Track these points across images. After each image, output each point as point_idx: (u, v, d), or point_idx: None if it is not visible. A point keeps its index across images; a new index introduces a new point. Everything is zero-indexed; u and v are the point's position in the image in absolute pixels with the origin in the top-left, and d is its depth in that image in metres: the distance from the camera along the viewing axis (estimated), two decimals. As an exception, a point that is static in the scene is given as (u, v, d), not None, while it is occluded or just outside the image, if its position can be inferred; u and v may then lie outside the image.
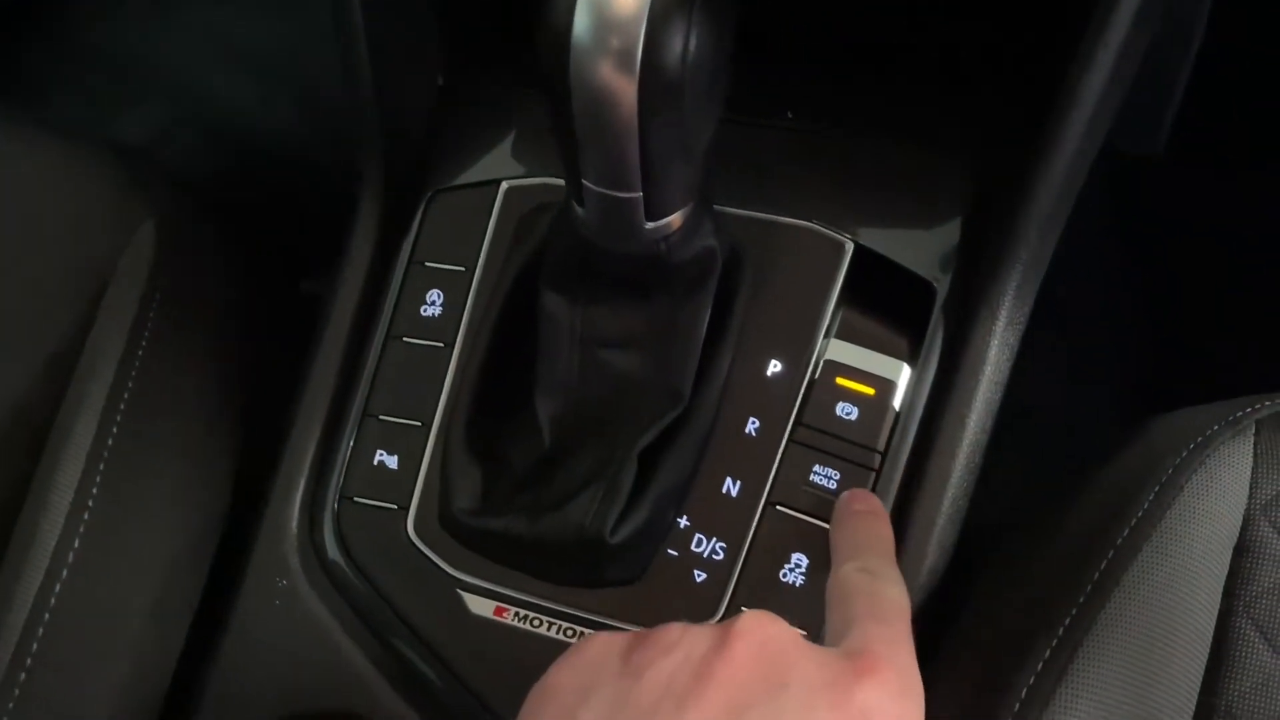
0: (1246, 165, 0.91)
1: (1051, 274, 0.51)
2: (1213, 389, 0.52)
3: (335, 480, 0.51)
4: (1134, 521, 0.43)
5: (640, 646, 0.36)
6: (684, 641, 0.35)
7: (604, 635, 0.37)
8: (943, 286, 0.49)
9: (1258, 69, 0.82)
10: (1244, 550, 0.43)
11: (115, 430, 0.48)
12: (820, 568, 0.47)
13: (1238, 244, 0.90)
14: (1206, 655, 0.43)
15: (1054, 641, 0.40)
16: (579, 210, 0.43)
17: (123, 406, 0.48)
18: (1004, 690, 0.40)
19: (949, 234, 0.50)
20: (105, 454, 0.47)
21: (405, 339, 0.52)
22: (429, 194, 0.55)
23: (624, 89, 0.36)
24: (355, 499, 0.51)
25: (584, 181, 0.41)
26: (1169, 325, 0.90)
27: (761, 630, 0.35)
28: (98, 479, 0.47)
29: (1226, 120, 0.86)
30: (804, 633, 0.45)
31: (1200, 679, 0.42)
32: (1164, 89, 0.68)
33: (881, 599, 0.40)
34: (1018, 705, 0.39)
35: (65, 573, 0.45)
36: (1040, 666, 0.40)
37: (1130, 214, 0.93)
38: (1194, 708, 0.42)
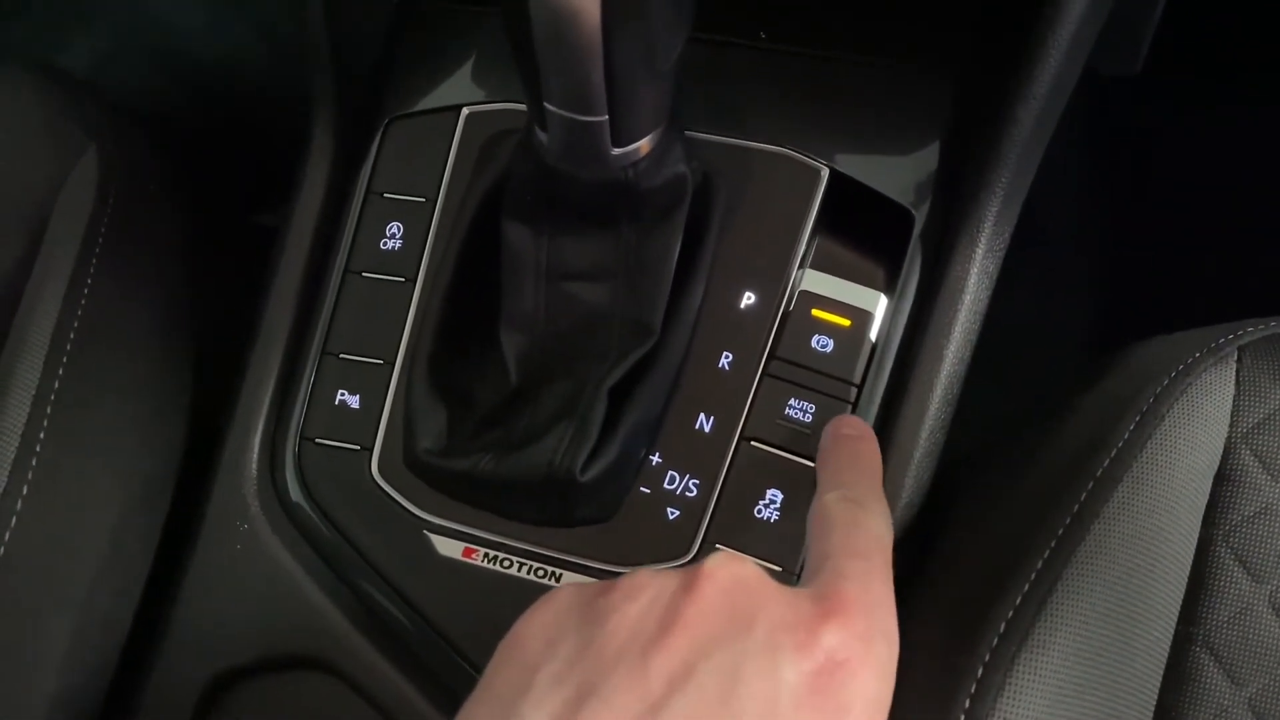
0: (1223, 86, 0.90)
1: (1029, 195, 0.49)
2: (1187, 311, 0.51)
3: (295, 421, 0.50)
4: (1114, 452, 0.42)
5: (607, 593, 0.35)
6: (651, 586, 0.34)
7: (572, 585, 0.36)
8: (921, 214, 0.48)
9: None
10: (1224, 479, 0.43)
11: (61, 371, 0.46)
12: (795, 503, 0.46)
13: (1213, 165, 0.89)
14: (1185, 584, 0.42)
15: (1032, 575, 0.40)
16: (542, 136, 0.41)
17: (69, 346, 0.46)
18: (981, 624, 0.39)
19: (927, 159, 0.48)
20: (52, 396, 0.45)
21: (364, 274, 0.50)
22: (386, 121, 0.52)
23: (587, 4, 0.34)
24: (317, 440, 0.49)
25: (546, 105, 0.38)
26: (1143, 246, 0.89)
27: (729, 571, 0.35)
28: (45, 422, 0.45)
29: (1203, 41, 0.84)
30: (779, 568, 0.45)
31: (1179, 608, 0.42)
32: (1143, 8, 0.66)
33: (860, 531, 0.39)
34: (996, 639, 0.38)
35: (14, 518, 0.43)
36: (1019, 600, 0.39)
37: (1105, 134, 0.91)
38: (1172, 637, 0.42)
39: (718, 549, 0.45)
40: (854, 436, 0.44)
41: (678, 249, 0.45)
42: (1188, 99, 0.90)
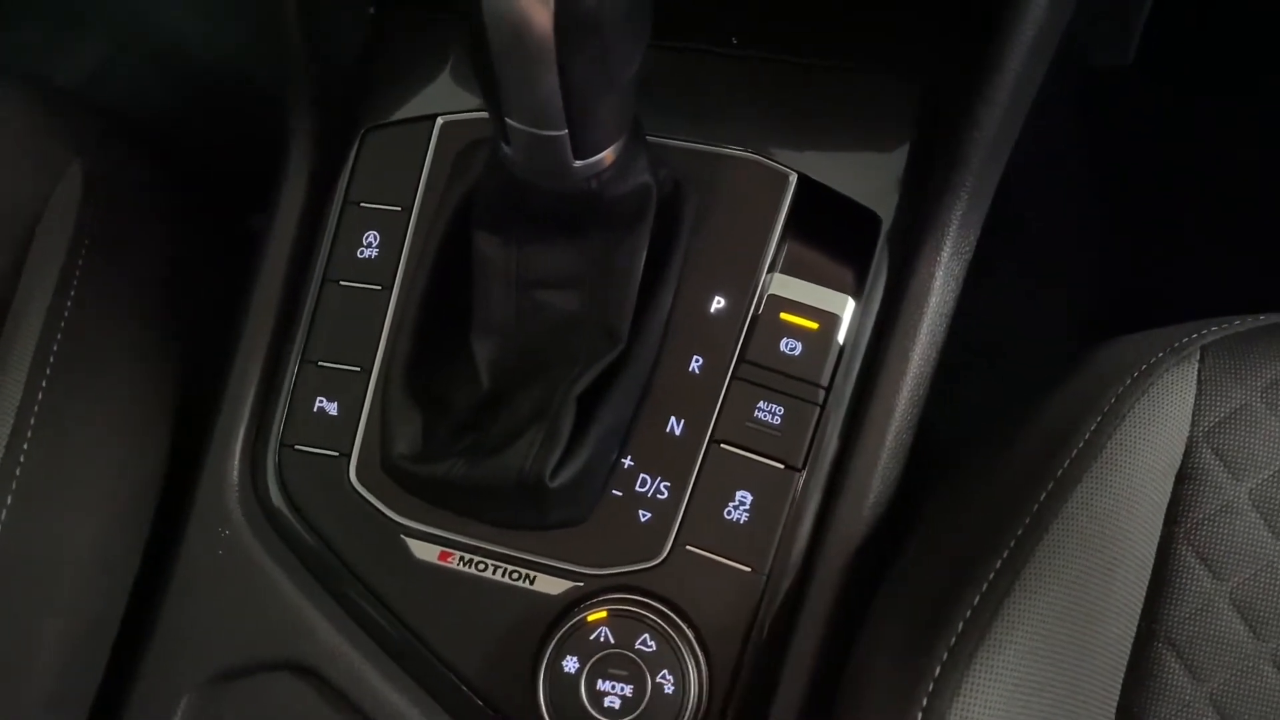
0: (1213, 76, 0.89)
1: (1006, 196, 0.50)
2: (1179, 300, 0.51)
3: (276, 428, 0.51)
4: (1074, 453, 0.42)
5: None
6: None
7: None
8: (888, 217, 0.48)
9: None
10: (1185, 477, 0.43)
11: (45, 384, 0.47)
12: (765, 505, 0.46)
13: (1204, 155, 0.89)
14: (1147, 583, 0.43)
15: (990, 575, 0.40)
16: (506, 149, 0.41)
17: (52, 360, 0.47)
18: (941, 624, 0.40)
19: (895, 162, 0.49)
20: (35, 408, 0.46)
21: (342, 282, 0.51)
22: (362, 131, 0.53)
23: (539, 17, 0.34)
24: (296, 447, 0.50)
25: (507, 120, 0.39)
26: (1135, 236, 0.89)
27: None
28: (29, 433, 0.46)
29: (1194, 32, 0.84)
30: (748, 568, 0.46)
31: (1140, 606, 0.43)
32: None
33: None
34: (954, 638, 0.39)
35: (1, 526, 0.44)
36: (977, 600, 0.40)
37: (1096, 125, 0.91)
38: (1134, 634, 0.42)
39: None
40: None
41: (644, 257, 0.45)
42: (1178, 89, 0.90)
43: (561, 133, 0.39)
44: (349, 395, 0.50)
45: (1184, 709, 0.42)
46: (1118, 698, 0.42)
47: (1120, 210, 0.92)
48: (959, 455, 0.52)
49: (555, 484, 0.44)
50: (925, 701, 0.38)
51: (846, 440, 0.47)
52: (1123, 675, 0.42)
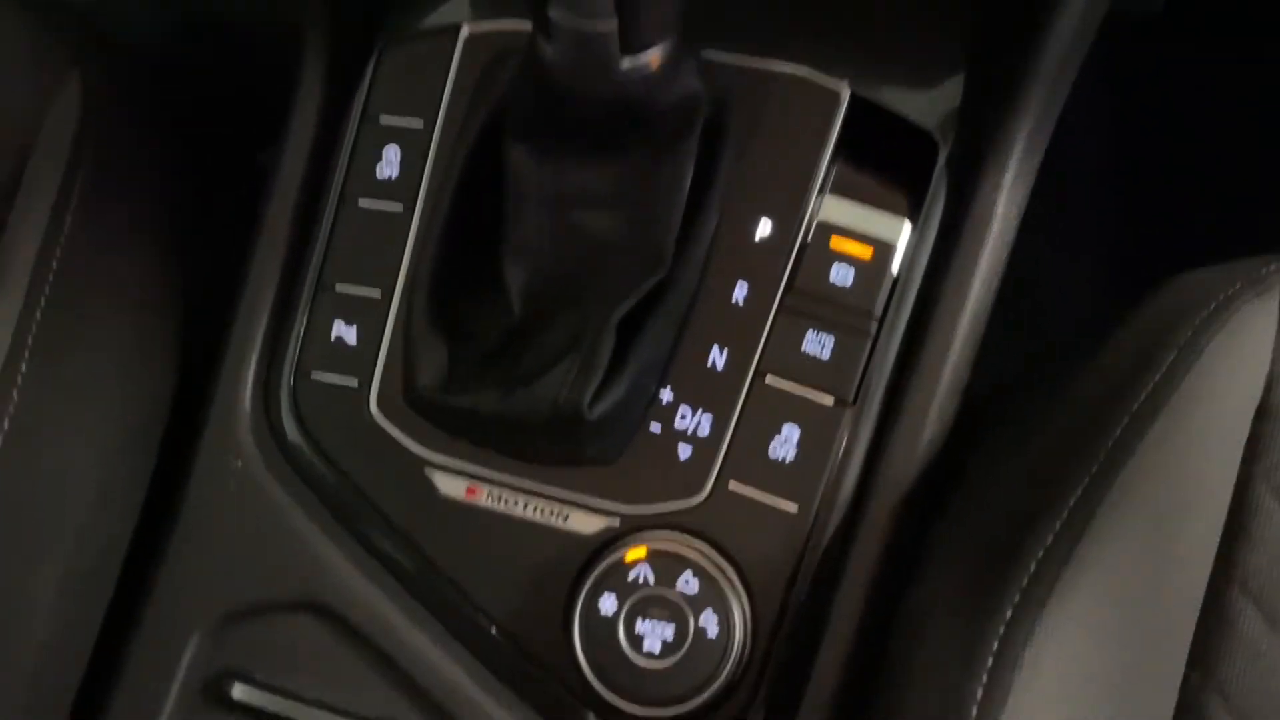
0: (1245, 25, 0.86)
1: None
2: (1210, 254, 0.48)
3: (290, 356, 0.47)
4: (1150, 386, 0.40)
5: None
6: None
7: None
8: (947, 138, 0.45)
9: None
10: (1265, 415, 0.41)
11: (42, 307, 0.44)
12: (812, 441, 0.44)
13: (1236, 104, 0.86)
14: (1222, 525, 0.40)
15: (1064, 514, 0.38)
16: (546, 49, 0.38)
17: (50, 281, 0.44)
18: (1010, 566, 0.37)
19: (954, 80, 0.46)
20: (32, 333, 0.43)
21: (360, 202, 0.48)
22: (381, 43, 0.49)
23: None
24: (313, 375, 0.47)
25: (550, 14, 0.36)
26: (1164, 188, 0.86)
27: None
28: (23, 362, 0.43)
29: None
30: (794, 507, 0.43)
31: (1215, 550, 0.40)
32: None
33: None
34: (1026, 580, 0.36)
35: None
36: (1050, 540, 0.37)
37: (1125, 75, 0.88)
38: (1207, 582, 0.40)
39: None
40: None
41: (690, 174, 0.42)
42: (1210, 38, 0.87)
43: (609, 23, 0.35)
44: (369, 322, 0.47)
45: (1259, 659, 0.40)
46: (1189, 645, 0.40)
47: (1143, 166, 0.89)
48: (1000, 404, 0.49)
49: (593, 415, 0.41)
50: (996, 647, 0.36)
51: (900, 375, 0.44)
52: (1195, 623, 0.40)
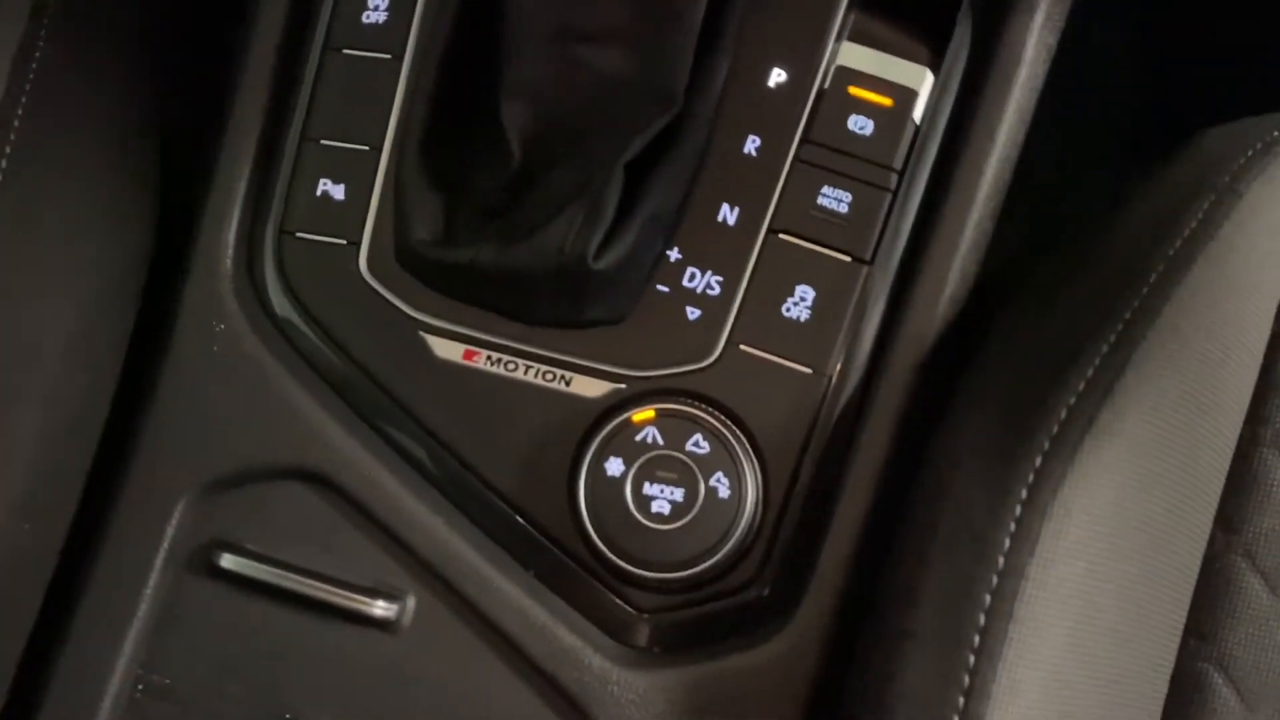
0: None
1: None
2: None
3: (274, 213, 0.45)
4: (1186, 232, 0.38)
5: None
6: None
7: None
8: None
9: None
10: (1304, 265, 0.39)
11: (9, 152, 0.41)
12: (828, 301, 0.42)
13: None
14: (1255, 378, 0.39)
15: (1097, 359, 0.36)
16: None
17: (16, 123, 0.41)
18: (1041, 411, 0.35)
19: None
20: (0, 178, 0.40)
21: (346, 50, 0.45)
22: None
23: None
24: (298, 234, 0.44)
25: None
26: (1171, 54, 0.82)
27: None
28: None
29: None
30: (808, 370, 0.41)
31: (1247, 405, 0.39)
32: None
33: None
34: (1056, 426, 0.35)
35: None
36: (1082, 385, 0.35)
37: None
38: (1238, 434, 0.39)
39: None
40: None
41: (704, 6, 0.39)
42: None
43: None
44: (357, 177, 0.44)
45: (1289, 516, 0.39)
46: (1218, 500, 0.39)
47: (1159, 22, 0.84)
48: (1027, 265, 0.48)
49: (599, 266, 0.39)
50: (1025, 494, 0.34)
51: (920, 230, 0.42)
52: (1224, 477, 0.39)
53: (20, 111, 0.41)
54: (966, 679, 0.33)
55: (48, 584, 0.44)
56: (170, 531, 0.43)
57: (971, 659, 0.33)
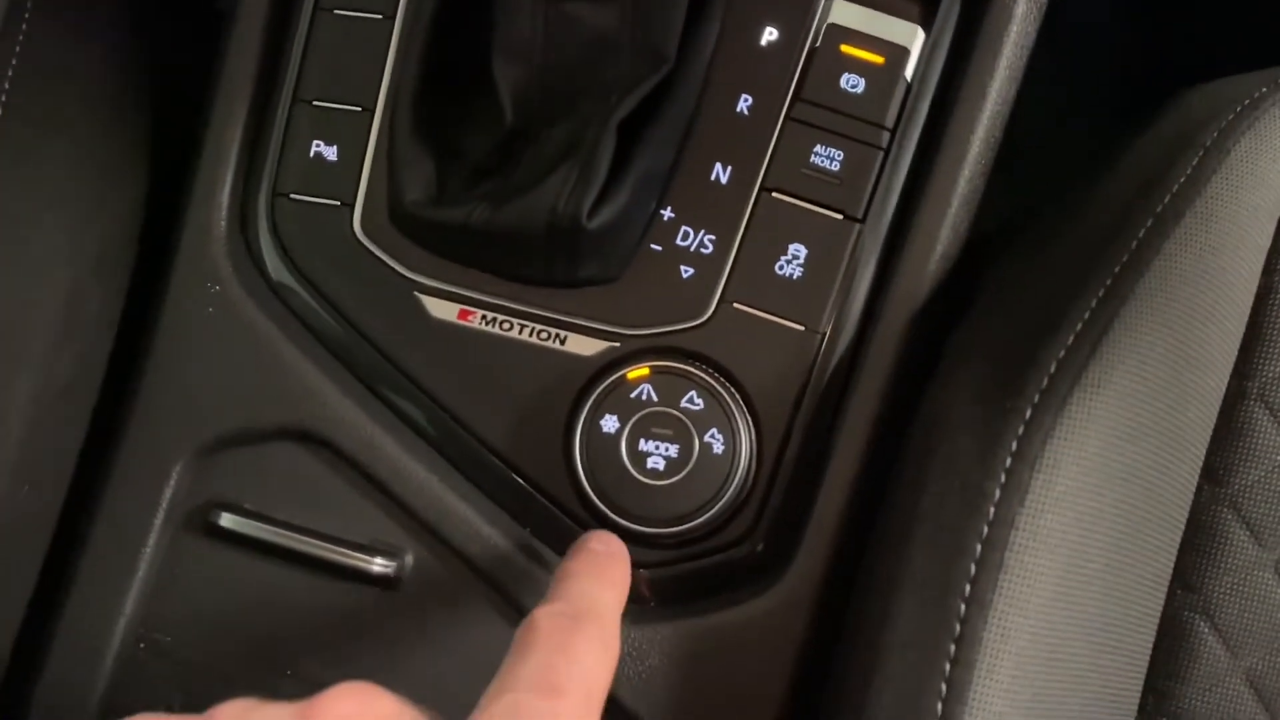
0: None
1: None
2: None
3: (267, 176, 0.45)
4: (1175, 188, 0.38)
5: None
6: None
7: (148, 717, 0.29)
8: None
9: None
10: (1290, 221, 0.39)
11: (1, 113, 0.40)
12: (821, 259, 0.42)
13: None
14: (1242, 333, 0.39)
15: (1086, 313, 0.36)
16: None
17: (7, 84, 0.41)
18: (1030, 364, 0.36)
19: None
20: None
21: (337, 10, 0.44)
22: None
23: None
24: (291, 195, 0.44)
25: None
26: (1156, 19, 0.81)
27: (345, 711, 0.28)
28: None
29: None
30: (802, 327, 0.42)
31: (1234, 359, 0.39)
32: None
33: (563, 658, 0.31)
34: (1045, 380, 0.35)
35: None
36: (1071, 339, 0.36)
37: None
38: (1224, 388, 0.39)
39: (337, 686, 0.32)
40: (601, 551, 0.37)
41: None
42: None
43: None
44: (350, 138, 0.44)
45: (1277, 471, 0.39)
46: (1204, 453, 0.39)
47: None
48: (1017, 225, 0.48)
49: (593, 225, 0.39)
50: (1015, 445, 0.35)
51: (912, 188, 0.42)
52: (1211, 430, 0.39)
53: (10, 73, 0.41)
54: (958, 626, 0.34)
55: (48, 546, 0.45)
56: (168, 492, 0.43)
57: (962, 607, 0.34)
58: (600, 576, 0.36)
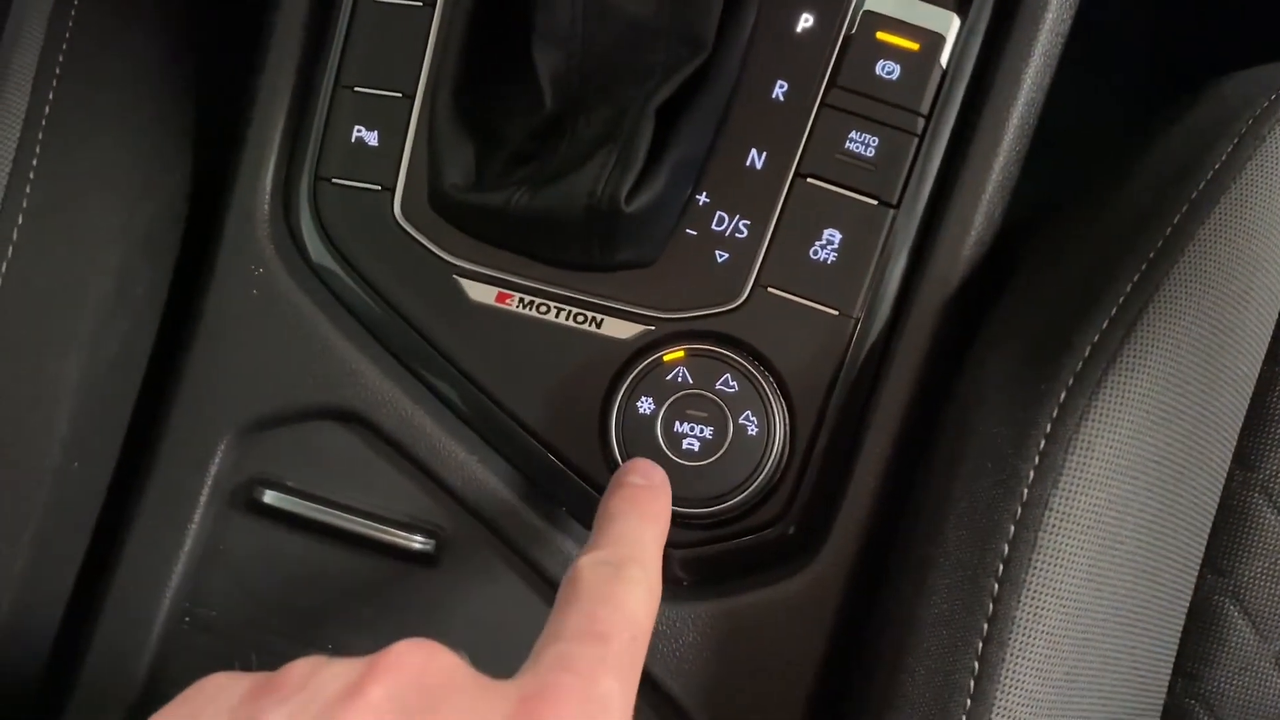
0: None
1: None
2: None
3: (309, 161, 0.45)
4: (1209, 174, 0.38)
5: (260, 691, 0.28)
6: (312, 684, 0.28)
7: (223, 675, 0.30)
8: None
9: None
10: (1325, 207, 0.40)
11: (52, 96, 0.41)
12: (855, 244, 0.42)
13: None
14: (1275, 320, 0.39)
15: (1120, 298, 0.37)
16: None
17: (58, 71, 0.42)
18: (1064, 348, 0.36)
19: None
20: (43, 123, 0.41)
21: None
22: None
23: None
24: (333, 180, 0.45)
25: None
26: (1191, 6, 0.81)
27: (411, 664, 0.28)
28: (37, 149, 0.41)
29: None
30: (835, 311, 0.42)
31: (1267, 343, 0.39)
32: None
33: (609, 608, 0.32)
34: (1080, 363, 0.36)
35: (11, 248, 0.40)
36: (1105, 323, 0.36)
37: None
38: (1257, 373, 0.39)
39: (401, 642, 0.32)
40: (640, 486, 0.38)
41: None
42: None
43: None
44: (391, 123, 0.45)
45: (1305, 453, 0.39)
46: (1236, 439, 0.40)
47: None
48: (1050, 212, 0.48)
49: (631, 209, 0.40)
50: (1049, 427, 0.35)
51: (946, 174, 0.43)
52: (1243, 417, 0.40)
53: (61, 58, 0.42)
54: (991, 605, 0.34)
55: (96, 520, 0.46)
56: (213, 469, 0.44)
57: (996, 586, 0.34)
58: (641, 515, 0.37)
